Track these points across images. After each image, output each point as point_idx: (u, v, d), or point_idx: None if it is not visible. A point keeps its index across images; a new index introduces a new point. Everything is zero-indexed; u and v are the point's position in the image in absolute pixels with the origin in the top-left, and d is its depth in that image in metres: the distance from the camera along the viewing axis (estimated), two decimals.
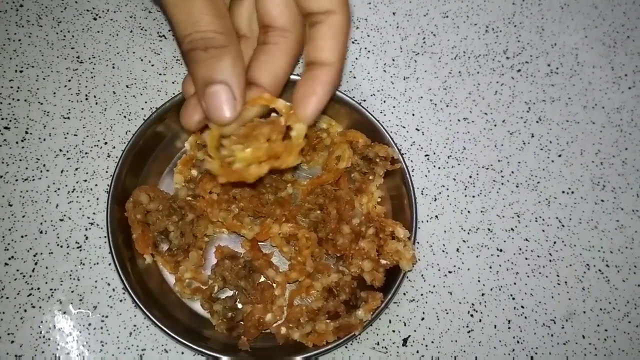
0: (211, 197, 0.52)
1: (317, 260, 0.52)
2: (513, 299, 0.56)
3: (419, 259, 0.56)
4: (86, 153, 0.56)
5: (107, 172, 0.55)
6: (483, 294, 0.56)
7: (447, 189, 0.59)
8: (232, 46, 0.40)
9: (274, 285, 0.52)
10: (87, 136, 0.56)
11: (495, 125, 0.62)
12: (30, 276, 0.52)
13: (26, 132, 0.56)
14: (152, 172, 0.55)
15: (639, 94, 0.65)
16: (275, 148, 0.42)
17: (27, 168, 0.55)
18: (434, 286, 0.55)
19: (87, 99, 0.57)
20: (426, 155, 0.60)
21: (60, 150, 0.56)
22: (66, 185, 0.55)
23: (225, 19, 0.40)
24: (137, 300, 0.48)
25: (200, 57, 0.39)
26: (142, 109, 0.58)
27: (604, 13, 0.68)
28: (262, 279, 0.53)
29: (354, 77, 0.62)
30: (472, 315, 0.55)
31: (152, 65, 0.59)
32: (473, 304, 0.55)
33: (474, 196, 0.59)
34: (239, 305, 0.51)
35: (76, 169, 0.55)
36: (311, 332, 0.49)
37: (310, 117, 0.43)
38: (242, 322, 0.51)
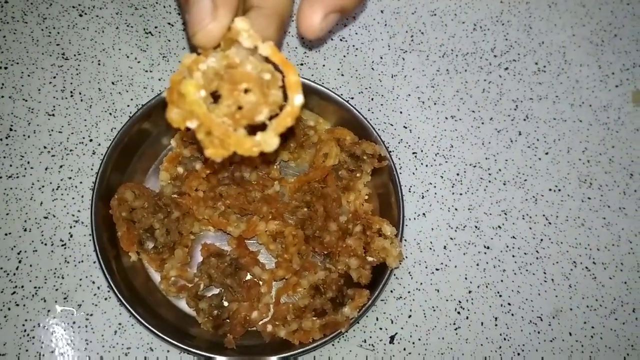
0: (197, 195, 0.52)
1: (303, 257, 0.52)
2: (500, 296, 0.56)
3: (406, 257, 0.56)
4: (71, 150, 0.55)
5: (92, 169, 0.55)
6: (470, 292, 0.56)
7: (435, 187, 0.59)
8: None
9: (260, 283, 0.52)
10: (72, 133, 0.56)
11: (482, 123, 0.62)
12: (14, 274, 0.51)
13: (10, 129, 0.55)
14: (138, 170, 0.55)
15: (625, 92, 0.65)
16: (255, 103, 0.34)
17: (11, 165, 0.54)
18: (421, 284, 0.55)
19: (72, 95, 0.57)
20: (414, 153, 0.60)
21: (45, 147, 0.55)
22: (51, 183, 0.54)
23: None
24: (122, 299, 0.48)
25: None
26: (128, 106, 0.57)
27: (592, 11, 0.69)
28: (249, 276, 0.52)
29: (342, 75, 0.62)
30: (459, 313, 0.55)
31: (139, 62, 0.59)
32: (460, 302, 0.55)
33: (461, 194, 0.59)
34: (225, 303, 0.51)
35: (61, 167, 0.55)
36: (297, 329, 0.49)
37: (315, 29, 0.37)
38: (228, 320, 0.51)
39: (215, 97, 0.35)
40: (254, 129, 0.34)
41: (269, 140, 0.34)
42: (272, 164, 0.54)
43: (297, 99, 0.34)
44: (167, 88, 0.34)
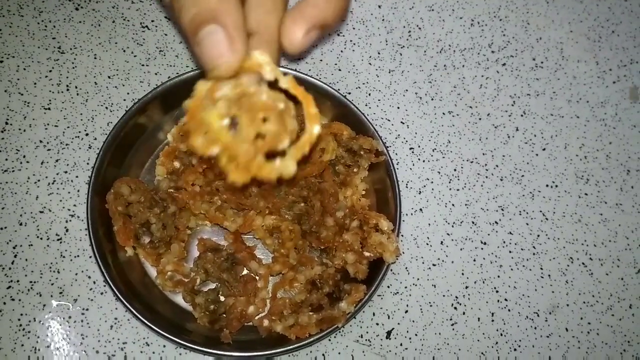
0: (193, 189, 0.52)
1: (300, 252, 0.52)
2: (497, 291, 0.56)
3: (403, 252, 0.56)
4: (67, 144, 0.55)
5: (88, 163, 0.55)
6: (467, 287, 0.56)
7: (432, 182, 0.59)
8: None
9: (257, 277, 0.52)
10: (68, 127, 0.56)
11: (480, 119, 0.62)
12: (10, 268, 0.51)
13: (6, 123, 0.55)
14: (134, 164, 0.54)
15: (623, 88, 0.65)
16: (276, 132, 0.36)
17: (6, 159, 0.54)
18: (418, 279, 0.55)
19: (68, 89, 0.57)
20: (411, 149, 0.60)
21: (41, 141, 0.55)
22: (46, 177, 0.54)
23: None
24: (117, 293, 0.48)
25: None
26: (124, 100, 0.57)
27: (589, 8, 0.69)
28: (245, 271, 0.52)
29: (339, 70, 0.61)
30: (455, 308, 0.55)
31: (135, 56, 0.59)
32: (457, 297, 0.55)
33: (458, 189, 0.59)
34: (222, 298, 0.51)
35: (57, 161, 0.54)
36: (294, 324, 0.49)
37: (298, 43, 0.37)
38: (224, 315, 0.50)
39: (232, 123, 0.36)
40: (272, 153, 0.36)
41: (288, 166, 0.36)
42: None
43: (316, 129, 0.36)
44: (186, 116, 0.35)
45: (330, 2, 0.37)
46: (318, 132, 0.36)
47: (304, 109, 0.36)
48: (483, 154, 0.61)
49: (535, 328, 0.55)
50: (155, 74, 0.58)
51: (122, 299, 0.48)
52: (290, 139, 0.36)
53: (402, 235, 0.56)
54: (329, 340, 0.52)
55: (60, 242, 0.52)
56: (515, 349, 0.54)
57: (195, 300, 0.50)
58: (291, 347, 0.48)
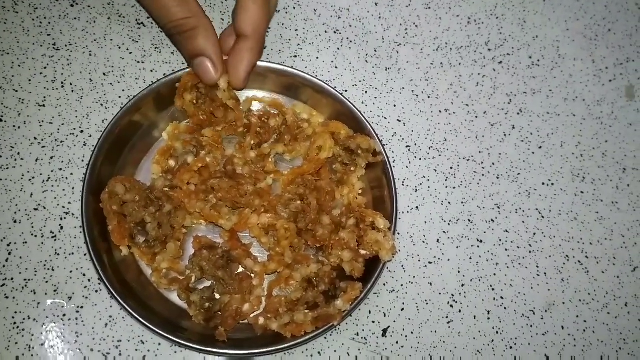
0: (189, 188, 0.52)
1: (296, 251, 0.52)
2: (493, 289, 0.56)
3: (399, 250, 0.56)
4: (62, 141, 0.55)
5: (83, 161, 0.54)
6: (463, 285, 0.56)
7: (428, 180, 0.59)
8: (200, 25, 0.49)
9: (252, 275, 0.51)
10: (63, 124, 0.55)
11: (476, 117, 0.62)
12: (4, 266, 0.51)
13: (0, 120, 0.54)
14: (129, 162, 0.54)
15: (619, 86, 0.65)
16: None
17: (1, 156, 0.53)
18: (414, 277, 0.55)
19: (63, 86, 0.56)
20: (407, 147, 0.60)
21: (35, 138, 0.55)
22: (41, 174, 0.54)
23: (190, 3, 0.49)
24: (112, 291, 0.47)
25: (179, 40, 0.50)
26: (120, 97, 0.57)
27: (586, 6, 0.69)
28: (241, 269, 0.52)
29: (336, 68, 0.61)
30: (451, 306, 0.55)
31: (130, 53, 0.59)
32: (453, 295, 0.55)
33: (454, 187, 0.59)
34: (217, 296, 0.51)
35: (51, 158, 0.54)
36: (290, 322, 0.49)
37: (242, 82, 0.52)
38: (219, 313, 0.50)
39: None
40: None
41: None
42: (267, 156, 0.54)
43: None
44: None
45: (256, 45, 0.52)
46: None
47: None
48: (479, 152, 0.61)
49: (531, 326, 0.55)
50: (151, 71, 0.58)
51: (117, 297, 0.47)
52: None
53: (399, 233, 0.56)
54: (325, 338, 0.52)
55: (55, 240, 0.52)
56: (511, 347, 0.54)
57: (190, 298, 0.50)
58: (287, 345, 0.48)
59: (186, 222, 0.52)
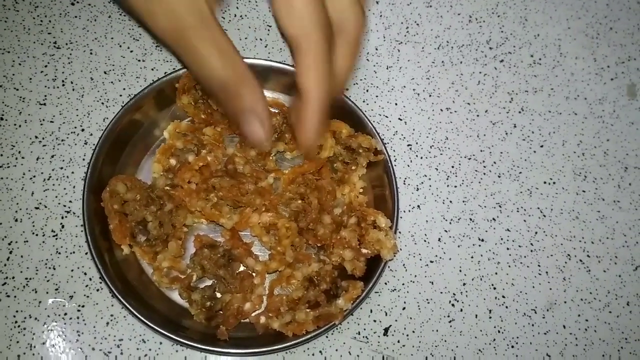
0: (189, 187, 0.51)
1: (297, 250, 0.52)
2: (494, 288, 0.56)
3: (400, 249, 0.56)
4: (62, 140, 0.55)
5: (83, 159, 0.54)
6: (464, 284, 0.56)
7: (430, 179, 0.59)
8: (246, 83, 0.45)
9: (254, 274, 0.51)
10: (64, 123, 0.55)
11: (477, 116, 0.62)
12: (5, 265, 0.51)
13: (1, 119, 0.54)
14: (130, 161, 0.54)
15: (620, 85, 0.65)
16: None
17: (1, 155, 0.53)
18: (415, 276, 0.55)
19: (64, 85, 0.56)
20: (409, 145, 0.60)
21: (36, 137, 0.54)
22: (42, 173, 0.53)
23: (234, 60, 0.44)
24: (113, 290, 0.47)
25: (224, 98, 0.46)
26: (121, 95, 0.57)
27: (587, 4, 0.69)
28: (242, 268, 0.52)
29: None
30: (453, 305, 0.55)
31: (131, 52, 0.58)
32: (454, 294, 0.55)
33: (456, 186, 0.59)
34: (218, 295, 0.51)
35: (52, 156, 0.54)
36: (291, 321, 0.49)
37: (310, 142, 0.47)
38: (221, 312, 0.50)
39: None
40: None
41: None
42: (268, 155, 0.54)
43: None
44: None
45: (318, 102, 0.45)
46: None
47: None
48: (481, 151, 0.60)
49: (533, 325, 0.55)
50: (152, 69, 0.58)
51: (118, 295, 0.47)
52: None
53: (400, 232, 0.56)
54: (327, 337, 0.52)
55: (56, 239, 0.52)
56: (512, 346, 0.54)
57: (191, 297, 0.50)
58: (288, 344, 0.48)
59: (187, 221, 0.52)
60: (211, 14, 0.42)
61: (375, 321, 0.53)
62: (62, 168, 0.54)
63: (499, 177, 0.60)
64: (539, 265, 0.57)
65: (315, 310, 0.49)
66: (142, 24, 0.52)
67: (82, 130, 0.55)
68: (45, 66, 0.57)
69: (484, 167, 0.60)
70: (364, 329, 0.53)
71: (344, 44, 0.46)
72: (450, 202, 0.58)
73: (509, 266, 0.57)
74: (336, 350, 0.52)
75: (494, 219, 0.58)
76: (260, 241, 0.52)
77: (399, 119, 0.60)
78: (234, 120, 0.48)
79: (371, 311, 0.53)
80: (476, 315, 0.55)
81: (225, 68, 0.43)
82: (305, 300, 0.50)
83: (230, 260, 0.51)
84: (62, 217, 0.52)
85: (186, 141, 0.53)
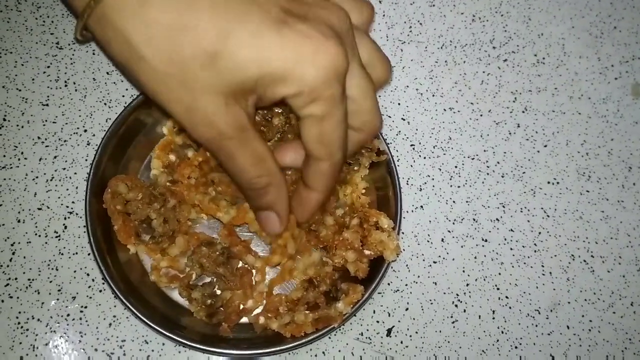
0: (189, 182, 0.51)
1: (298, 241, 0.51)
2: (498, 289, 0.56)
3: (403, 249, 0.55)
4: (65, 141, 0.55)
5: (86, 160, 0.54)
6: (468, 284, 0.55)
7: (433, 179, 0.59)
8: (273, 183, 0.45)
9: (254, 271, 0.51)
10: (67, 124, 0.55)
11: (481, 115, 0.62)
12: (8, 266, 0.51)
13: (4, 119, 0.54)
14: (133, 161, 0.54)
15: (625, 84, 0.65)
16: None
17: (4, 156, 0.53)
18: (419, 276, 0.55)
19: (66, 85, 0.56)
20: (412, 145, 0.60)
21: (39, 137, 0.54)
22: (44, 174, 0.53)
23: (269, 167, 0.44)
24: (116, 291, 0.47)
25: (250, 195, 0.47)
26: (123, 96, 0.57)
27: (591, 3, 0.68)
28: (241, 264, 0.52)
29: None
30: (456, 306, 0.55)
31: None
32: (457, 294, 0.55)
33: (459, 186, 0.59)
34: (218, 292, 0.50)
35: (55, 157, 0.54)
36: (290, 322, 0.49)
37: (306, 220, 0.50)
38: (222, 309, 0.50)
39: None
40: None
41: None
42: None
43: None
44: None
45: (321, 200, 0.47)
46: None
47: None
48: (484, 151, 0.60)
49: (537, 326, 0.55)
50: None
51: (121, 296, 0.47)
52: None
53: (403, 233, 0.56)
54: (329, 338, 0.52)
55: (59, 240, 0.52)
56: (516, 347, 0.54)
57: (191, 295, 0.49)
58: (291, 345, 0.48)
59: (191, 215, 0.52)
60: (249, 121, 0.41)
61: (378, 322, 0.53)
62: (64, 169, 0.54)
63: (503, 177, 0.60)
64: (542, 266, 0.57)
65: (314, 312, 0.49)
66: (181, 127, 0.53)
67: (85, 130, 0.55)
68: (48, 67, 0.57)
69: (488, 167, 0.60)
70: (367, 330, 0.53)
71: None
72: (454, 202, 0.58)
73: (513, 266, 0.57)
74: (339, 351, 0.52)
75: (497, 219, 0.58)
76: (259, 236, 0.52)
77: (402, 118, 0.60)
78: (254, 210, 0.49)
79: (374, 312, 0.53)
80: (479, 316, 0.55)
81: (258, 174, 0.44)
82: (304, 301, 0.50)
83: (229, 258, 0.51)
84: (65, 218, 0.52)
85: (185, 137, 0.53)
